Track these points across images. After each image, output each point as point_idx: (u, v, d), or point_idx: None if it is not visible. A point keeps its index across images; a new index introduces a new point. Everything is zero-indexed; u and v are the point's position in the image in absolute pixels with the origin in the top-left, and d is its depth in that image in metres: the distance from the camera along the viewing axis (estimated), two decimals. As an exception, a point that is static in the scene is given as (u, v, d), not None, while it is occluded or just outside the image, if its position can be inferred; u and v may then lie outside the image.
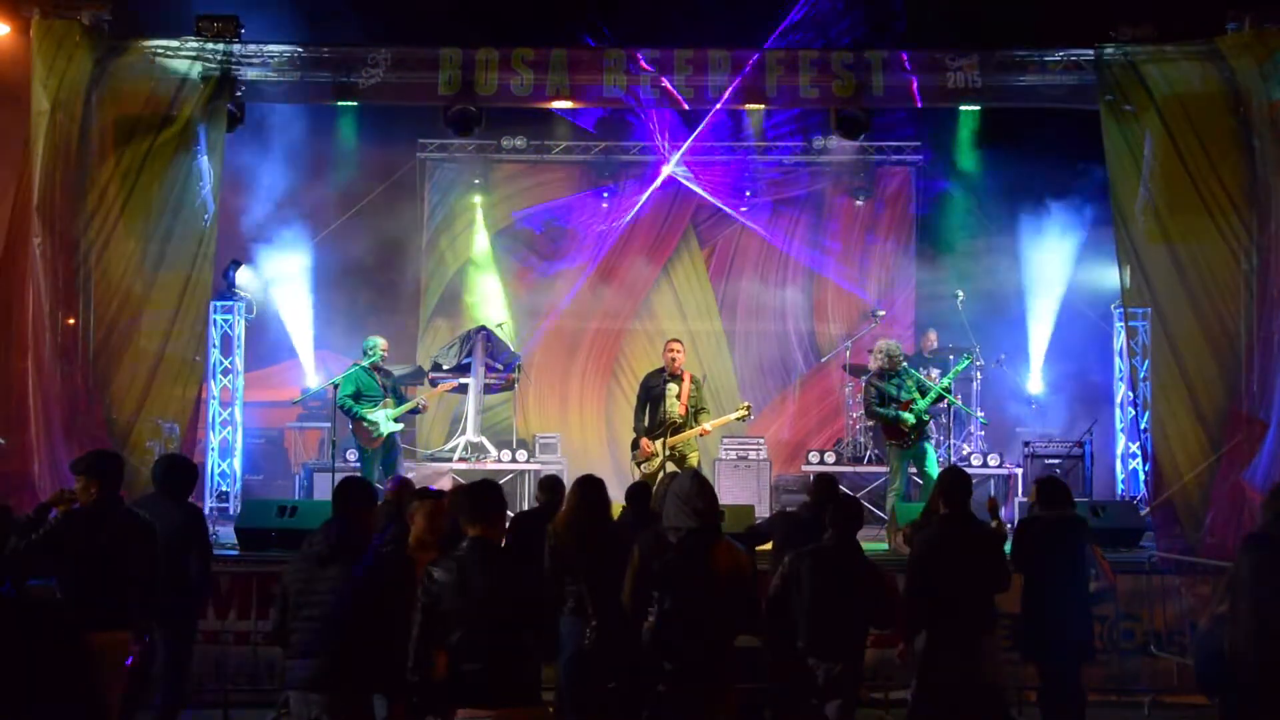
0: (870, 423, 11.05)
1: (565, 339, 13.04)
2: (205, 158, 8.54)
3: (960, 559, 5.21)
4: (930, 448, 9.23)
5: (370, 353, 9.50)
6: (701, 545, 4.50)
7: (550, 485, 6.37)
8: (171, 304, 8.31)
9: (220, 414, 9.97)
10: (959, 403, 10.34)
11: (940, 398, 9.33)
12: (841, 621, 4.98)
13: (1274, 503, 4.85)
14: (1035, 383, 11.77)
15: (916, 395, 9.17)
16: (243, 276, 10.74)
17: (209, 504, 9.61)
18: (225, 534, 8.65)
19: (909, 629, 5.32)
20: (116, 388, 8.18)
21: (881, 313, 12.13)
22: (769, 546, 6.52)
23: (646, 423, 9.01)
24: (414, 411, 9.93)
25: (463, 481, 9.02)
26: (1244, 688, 3.88)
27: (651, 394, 9.03)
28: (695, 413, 8.92)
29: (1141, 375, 9.08)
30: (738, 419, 9.19)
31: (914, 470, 9.29)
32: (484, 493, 4.16)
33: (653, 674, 4.53)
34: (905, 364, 9.43)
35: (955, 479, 5.50)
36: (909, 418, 9.03)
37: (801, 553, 5.11)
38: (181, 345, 8.32)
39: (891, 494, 9.33)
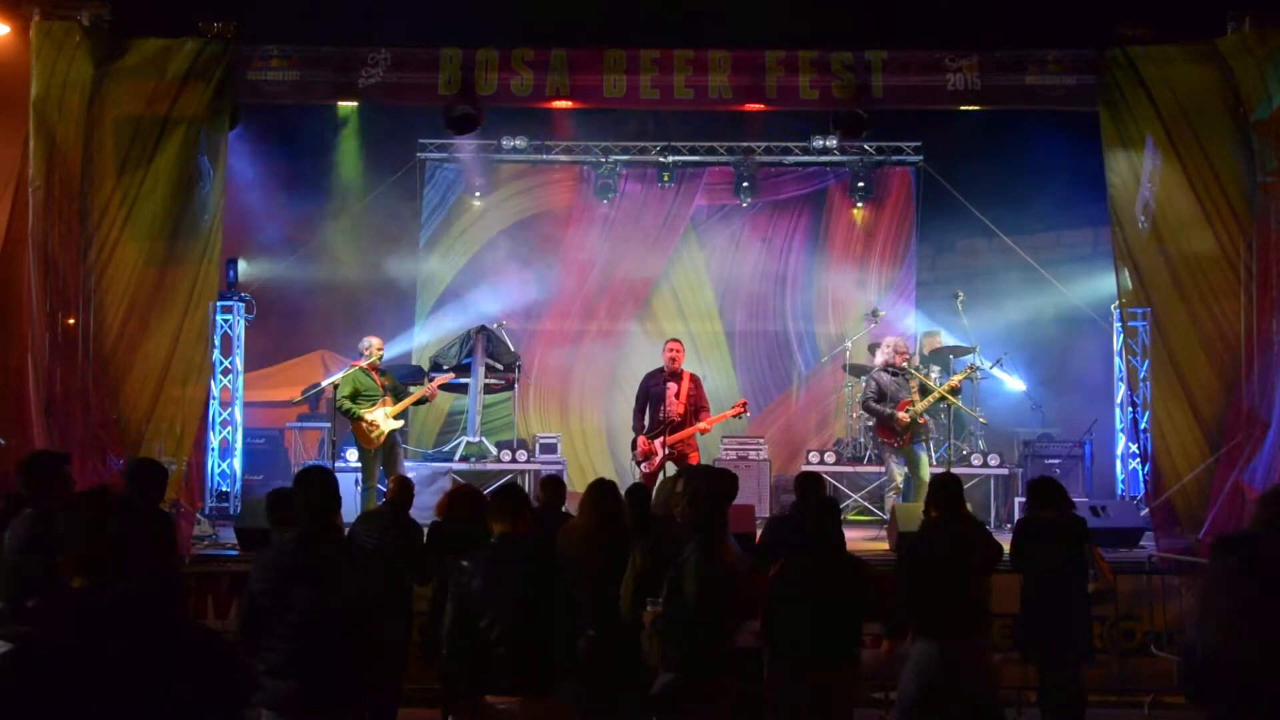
0: (870, 421, 11.07)
1: (565, 339, 13.04)
2: (207, 158, 8.55)
3: (948, 562, 5.21)
4: (922, 451, 9.23)
5: (367, 353, 9.51)
6: (712, 544, 4.52)
7: (551, 485, 6.39)
8: (179, 305, 8.32)
9: (220, 414, 9.98)
10: (961, 405, 10.36)
11: (941, 400, 9.39)
12: (832, 622, 4.99)
13: (1265, 509, 4.83)
14: (1036, 383, 11.78)
15: (915, 397, 9.18)
16: (243, 276, 10.76)
17: (209, 504, 9.62)
18: (225, 534, 8.68)
19: (894, 629, 5.34)
20: (129, 390, 8.19)
21: (882, 312, 12.14)
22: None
23: (646, 422, 9.03)
24: (421, 401, 9.94)
25: (461, 481, 9.04)
26: (1224, 693, 3.87)
27: (651, 393, 9.05)
28: (695, 411, 8.94)
29: (1141, 375, 9.10)
30: (733, 415, 9.21)
31: (906, 472, 9.30)
32: (506, 493, 4.36)
33: (656, 674, 4.55)
34: (908, 364, 9.46)
35: (946, 483, 5.52)
36: (903, 416, 9.05)
37: (791, 556, 5.15)
38: (189, 346, 8.33)
39: (890, 494, 9.35)
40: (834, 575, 5.00)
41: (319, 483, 4.13)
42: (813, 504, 5.38)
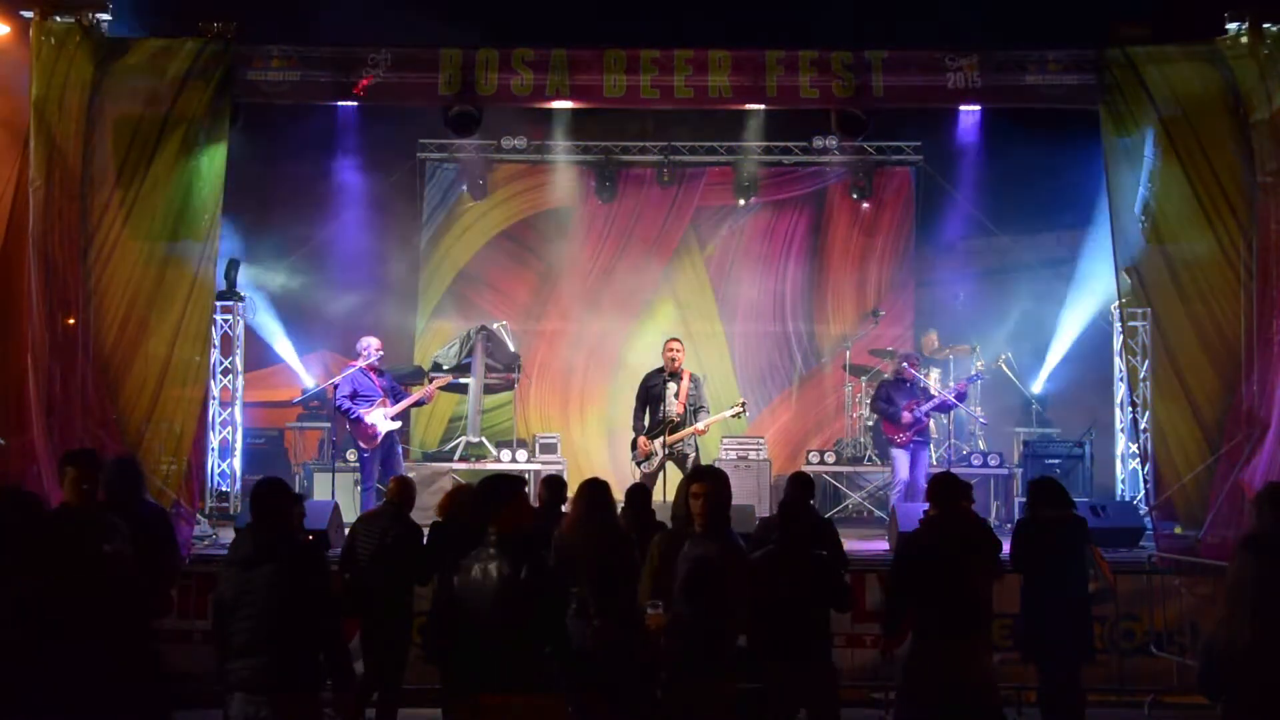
0: (871, 422, 11.10)
1: (565, 339, 13.03)
2: (206, 158, 8.55)
3: (945, 559, 5.20)
4: (925, 451, 9.41)
5: (365, 353, 9.53)
6: (719, 543, 4.53)
7: (552, 484, 6.40)
8: (178, 305, 8.32)
9: (220, 414, 9.98)
10: (962, 408, 10.44)
11: (946, 406, 9.59)
12: (799, 621, 5.01)
13: (1267, 504, 4.83)
14: (1035, 383, 11.79)
15: (920, 400, 9.39)
16: (243, 276, 10.76)
17: (209, 504, 9.61)
18: (225, 534, 8.68)
19: (891, 628, 5.34)
20: (129, 390, 8.18)
21: (882, 312, 12.15)
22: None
23: (646, 422, 9.03)
24: (419, 403, 9.96)
25: (462, 482, 9.04)
26: (1246, 691, 3.87)
27: (651, 393, 9.06)
28: (694, 411, 8.95)
29: (1141, 375, 9.10)
30: (733, 416, 9.22)
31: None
32: (488, 491, 4.26)
33: (660, 671, 4.56)
34: (918, 374, 9.71)
35: (944, 481, 5.52)
36: (907, 416, 9.26)
37: (753, 558, 5.18)
38: (188, 347, 8.33)
39: (895, 492, 9.40)
40: (793, 577, 5.02)
41: (273, 484, 4.41)
42: (779, 507, 5.43)
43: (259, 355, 11.60)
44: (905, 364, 9.78)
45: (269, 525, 4.24)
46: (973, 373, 10.44)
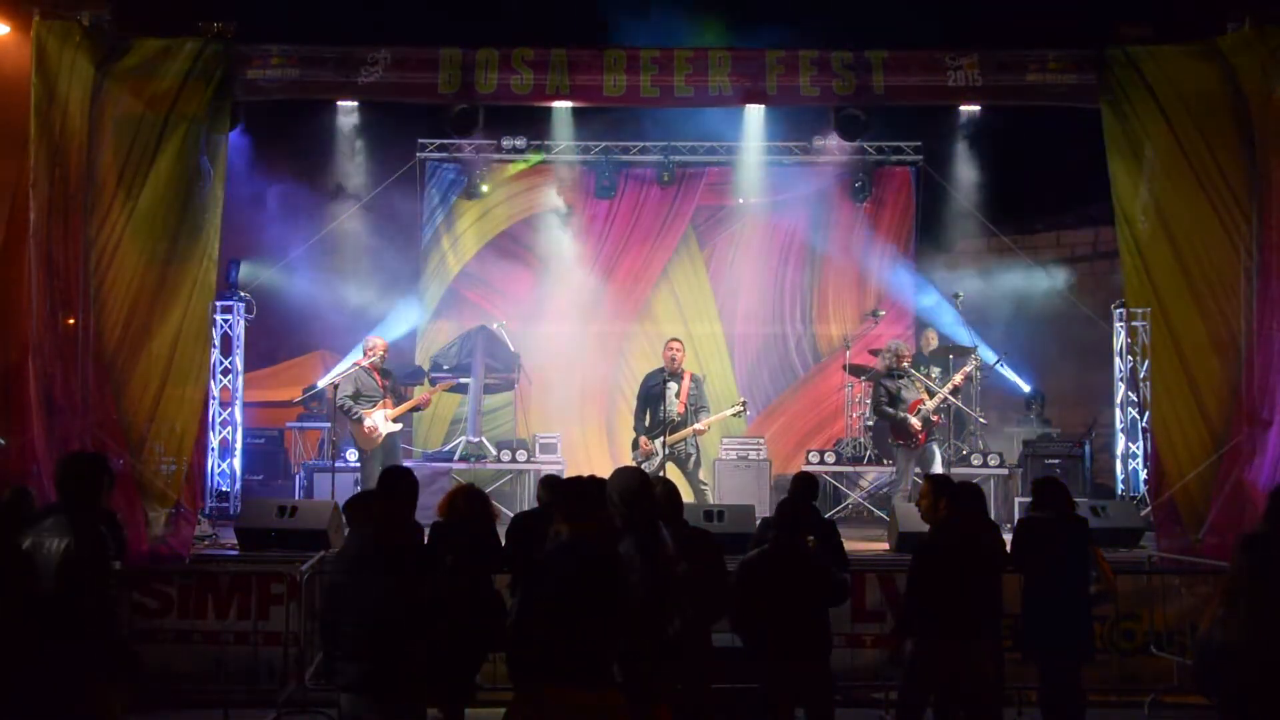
0: (871, 422, 11.09)
1: (565, 340, 13.01)
2: (207, 157, 8.56)
3: (954, 563, 5.21)
4: (936, 450, 9.33)
5: (370, 353, 9.53)
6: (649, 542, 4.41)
7: (551, 485, 6.38)
8: (180, 305, 8.34)
9: (220, 414, 9.98)
10: (961, 405, 10.39)
11: (946, 400, 9.48)
12: (798, 619, 5.00)
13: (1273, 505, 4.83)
14: (1036, 382, 11.78)
15: (925, 397, 9.28)
16: (243, 276, 10.76)
17: (209, 504, 9.62)
18: (225, 534, 8.68)
19: (902, 626, 5.34)
20: (132, 390, 8.19)
21: (882, 313, 12.14)
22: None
23: (647, 422, 9.03)
24: (416, 409, 9.97)
25: (462, 482, 9.03)
26: (1243, 689, 3.88)
27: (651, 393, 9.06)
28: (695, 411, 8.95)
29: (1141, 375, 9.09)
30: (733, 415, 9.21)
31: (918, 471, 9.33)
32: (575, 490, 4.23)
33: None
34: (909, 365, 9.55)
35: (962, 485, 5.55)
36: (916, 421, 9.14)
37: (749, 557, 5.16)
38: (189, 346, 8.34)
39: (898, 494, 9.37)
40: (790, 576, 5.01)
41: (397, 483, 4.35)
42: (777, 507, 5.42)
43: (260, 355, 11.60)
44: (895, 357, 9.49)
45: (390, 524, 4.19)
46: (971, 371, 10.40)
